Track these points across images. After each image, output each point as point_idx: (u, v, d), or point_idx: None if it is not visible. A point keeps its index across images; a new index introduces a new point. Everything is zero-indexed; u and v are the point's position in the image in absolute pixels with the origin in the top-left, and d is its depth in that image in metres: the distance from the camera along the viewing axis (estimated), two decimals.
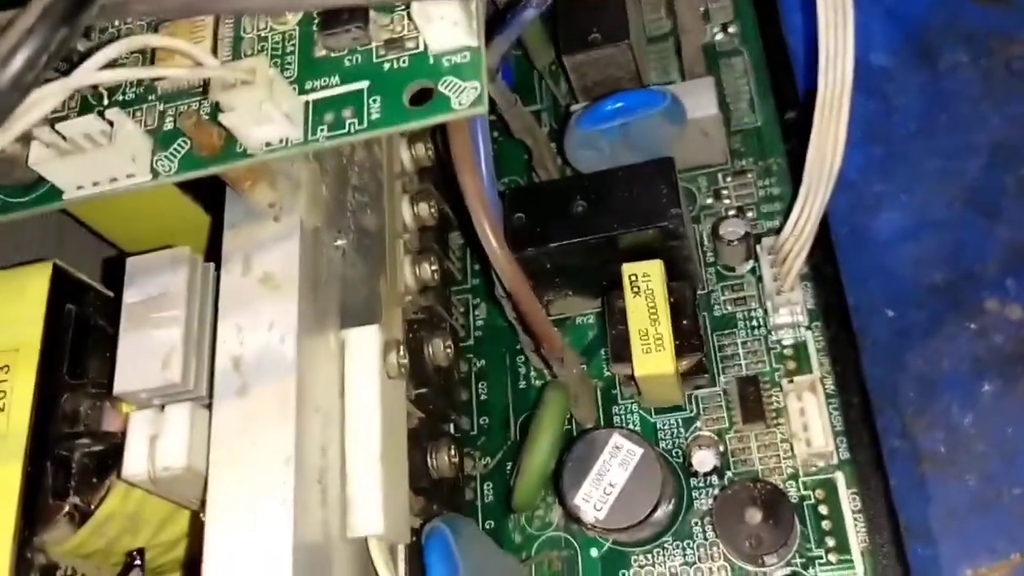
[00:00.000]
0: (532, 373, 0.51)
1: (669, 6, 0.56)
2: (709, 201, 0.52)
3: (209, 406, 0.36)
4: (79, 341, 0.40)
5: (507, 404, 0.51)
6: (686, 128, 0.48)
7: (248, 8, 0.34)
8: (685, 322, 0.45)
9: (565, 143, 0.49)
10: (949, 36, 0.58)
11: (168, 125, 0.36)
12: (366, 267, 0.43)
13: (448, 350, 0.45)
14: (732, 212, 0.51)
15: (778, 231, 0.50)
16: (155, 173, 0.35)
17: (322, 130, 0.34)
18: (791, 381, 0.46)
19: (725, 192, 0.52)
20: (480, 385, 0.52)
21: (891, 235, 0.53)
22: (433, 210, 0.48)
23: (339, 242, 0.41)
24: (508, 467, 0.49)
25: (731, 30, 0.56)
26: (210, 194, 0.45)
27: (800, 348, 0.48)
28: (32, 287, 0.40)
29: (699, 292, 0.49)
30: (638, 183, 0.46)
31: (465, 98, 0.33)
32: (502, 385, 0.51)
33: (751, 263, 0.50)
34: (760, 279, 0.49)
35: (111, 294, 0.42)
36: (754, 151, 0.53)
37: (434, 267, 0.47)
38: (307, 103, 0.35)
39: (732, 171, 0.53)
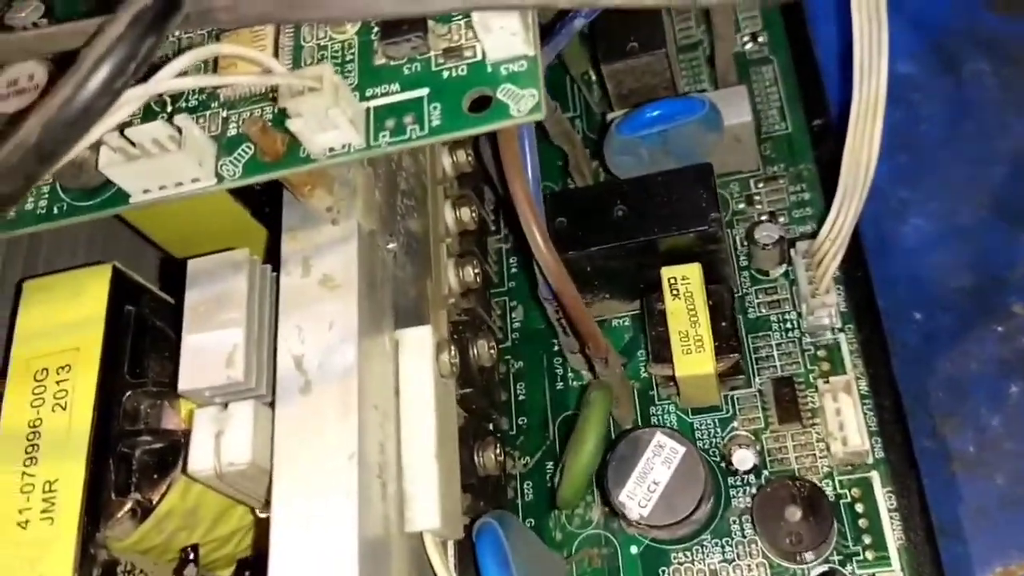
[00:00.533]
0: (569, 374, 0.52)
1: (700, 15, 0.57)
2: (742, 206, 0.53)
3: (271, 404, 0.38)
4: (138, 342, 0.41)
5: (545, 405, 0.52)
6: (723, 135, 0.50)
7: (328, 17, 0.35)
8: (723, 324, 0.46)
9: (605, 149, 0.50)
10: (971, 45, 0.59)
11: (232, 131, 0.37)
12: (414, 269, 0.44)
13: (492, 351, 0.46)
14: (765, 217, 0.52)
15: (810, 236, 0.51)
16: (220, 177, 0.36)
17: (384, 136, 0.35)
18: (827, 381, 0.47)
19: (757, 197, 0.53)
20: (518, 386, 0.53)
21: (919, 241, 0.54)
22: (474, 214, 0.49)
23: (390, 245, 0.42)
24: (548, 466, 0.50)
25: (760, 39, 0.57)
26: (260, 201, 0.46)
27: (834, 350, 0.49)
28: (92, 289, 0.41)
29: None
30: (678, 188, 0.47)
31: (524, 105, 0.34)
32: (540, 386, 0.52)
33: (784, 267, 0.51)
34: (794, 282, 0.50)
35: (167, 297, 0.43)
36: (785, 157, 0.54)
37: (476, 270, 0.48)
38: (368, 110, 0.36)
39: (764, 177, 0.54)
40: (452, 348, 0.41)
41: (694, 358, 0.45)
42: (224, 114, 0.37)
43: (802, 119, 0.55)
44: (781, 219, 0.52)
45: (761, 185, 0.54)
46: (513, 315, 0.55)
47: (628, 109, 0.51)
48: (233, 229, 0.47)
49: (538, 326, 0.54)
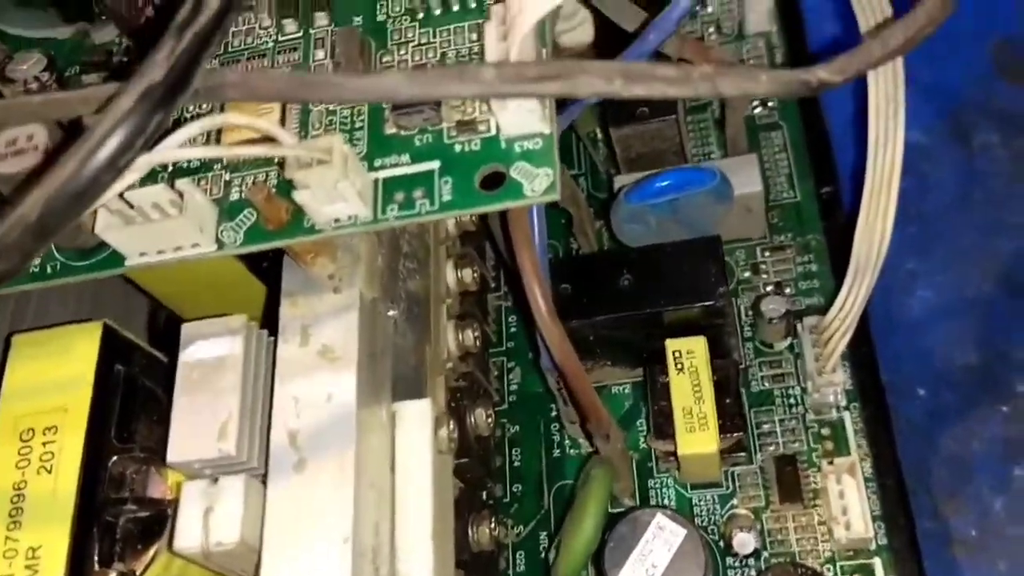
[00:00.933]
0: (566, 441, 0.51)
1: None
2: (747, 275, 0.53)
3: (263, 478, 0.36)
4: (127, 403, 0.40)
5: (540, 472, 0.51)
6: (733, 204, 0.49)
7: (341, 99, 0.34)
8: (728, 401, 0.45)
9: (612, 216, 0.50)
10: (982, 115, 0.59)
11: (234, 195, 0.36)
12: (414, 335, 0.43)
13: (489, 419, 0.45)
14: (771, 288, 0.51)
15: (817, 309, 0.50)
16: (220, 244, 0.35)
17: (392, 209, 0.34)
18: (831, 462, 0.46)
19: (763, 267, 0.53)
20: (514, 451, 0.51)
21: (925, 314, 0.53)
22: (475, 274, 0.48)
23: (391, 312, 0.41)
24: (542, 536, 0.49)
25: (770, 104, 0.56)
26: (258, 256, 0.45)
27: (838, 427, 0.48)
28: (81, 347, 0.40)
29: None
30: (686, 260, 0.46)
31: (538, 185, 0.33)
32: (536, 453, 0.51)
33: (789, 340, 0.50)
34: (799, 356, 0.49)
35: (158, 354, 0.42)
36: (793, 227, 0.53)
37: (476, 333, 0.46)
38: (376, 181, 0.35)
39: (770, 246, 0.53)
40: (451, 422, 0.40)
41: (697, 436, 0.44)
42: (227, 177, 0.36)
43: (811, 187, 0.54)
44: (787, 290, 0.52)
45: (768, 254, 0.53)
46: (511, 376, 0.54)
47: (636, 174, 0.50)
48: (229, 283, 0.45)
49: (536, 389, 0.52)
